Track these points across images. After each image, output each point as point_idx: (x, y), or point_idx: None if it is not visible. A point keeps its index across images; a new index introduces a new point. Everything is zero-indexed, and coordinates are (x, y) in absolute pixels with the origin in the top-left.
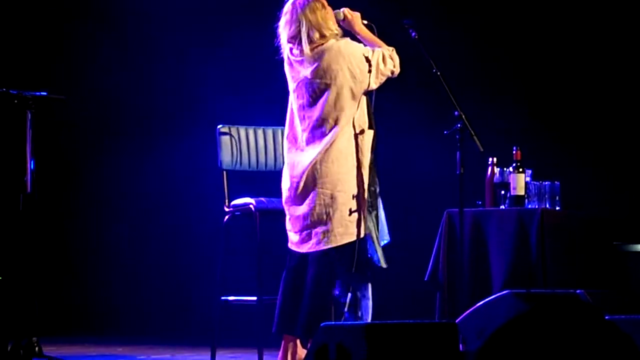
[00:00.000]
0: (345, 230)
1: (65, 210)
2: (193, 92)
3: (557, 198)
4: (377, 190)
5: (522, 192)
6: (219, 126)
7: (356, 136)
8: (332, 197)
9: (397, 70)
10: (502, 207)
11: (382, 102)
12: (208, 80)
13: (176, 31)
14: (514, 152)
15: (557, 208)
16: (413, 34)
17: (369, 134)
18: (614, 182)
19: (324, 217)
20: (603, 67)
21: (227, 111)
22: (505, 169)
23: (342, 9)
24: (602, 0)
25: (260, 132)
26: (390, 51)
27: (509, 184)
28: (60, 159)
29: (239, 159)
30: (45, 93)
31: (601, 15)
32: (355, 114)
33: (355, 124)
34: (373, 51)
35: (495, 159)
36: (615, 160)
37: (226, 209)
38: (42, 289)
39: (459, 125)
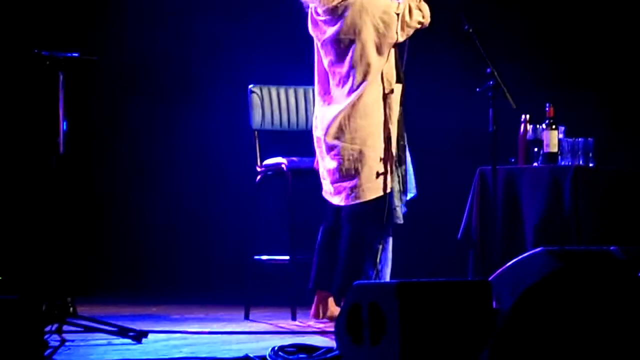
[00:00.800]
0: (373, 185)
1: (98, 170)
2: (223, 53)
3: (591, 155)
4: (405, 143)
5: (555, 149)
6: (249, 86)
7: (384, 90)
8: (360, 152)
9: (426, 21)
10: (535, 164)
11: (415, 58)
12: (238, 40)
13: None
14: (547, 109)
15: (591, 165)
16: None
17: (397, 88)
18: None
19: (352, 172)
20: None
21: (257, 71)
22: (538, 125)
23: None
24: None
25: (291, 91)
26: (417, 1)
27: (542, 140)
28: (92, 120)
29: (270, 118)
30: (77, 54)
31: None
32: (383, 68)
33: (384, 79)
34: (398, 4)
35: (528, 116)
36: None
37: (258, 169)
38: (76, 248)
39: (491, 82)
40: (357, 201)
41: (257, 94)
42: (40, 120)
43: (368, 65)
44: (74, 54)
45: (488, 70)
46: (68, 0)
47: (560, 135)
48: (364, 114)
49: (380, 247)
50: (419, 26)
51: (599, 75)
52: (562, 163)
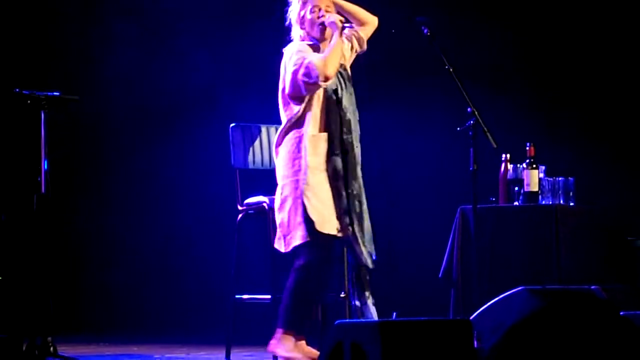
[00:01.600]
0: (294, 234)
1: (79, 210)
2: (206, 91)
3: (571, 194)
4: (356, 193)
5: (535, 189)
6: (231, 125)
7: (304, 139)
8: (282, 201)
9: (318, 80)
10: (516, 203)
11: (394, 98)
12: (220, 79)
13: (187, 30)
14: (527, 148)
15: (571, 204)
16: (425, 31)
17: (322, 137)
18: (628, 178)
19: (279, 220)
20: (615, 63)
21: (239, 110)
22: (518, 165)
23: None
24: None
25: (272, 130)
26: (317, 60)
27: (523, 180)
28: (73, 159)
29: (252, 157)
30: (58, 93)
31: (612, 13)
32: (298, 116)
33: (306, 128)
34: (300, 58)
35: (508, 156)
36: (628, 155)
37: (239, 208)
38: (57, 288)
39: (471, 121)
40: (283, 250)
41: (239, 133)
42: (22, 160)
43: (283, 113)
44: (55, 93)
45: (469, 109)
46: (50, 40)
47: (541, 175)
48: (283, 163)
49: (357, 301)
50: (310, 83)
51: (579, 115)
52: (543, 202)
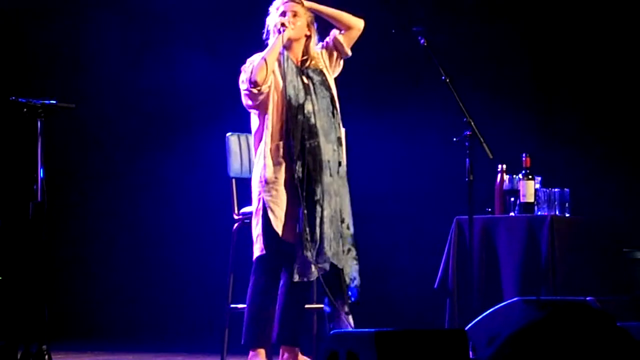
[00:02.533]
0: (255, 247)
1: (75, 218)
2: (202, 100)
3: (567, 205)
4: (317, 198)
5: (531, 199)
6: (227, 134)
7: (265, 150)
8: (255, 211)
9: (248, 85)
10: (512, 214)
11: (390, 106)
12: (217, 88)
13: (184, 38)
14: (523, 159)
15: (567, 215)
16: (422, 41)
17: (280, 146)
18: (624, 189)
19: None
20: (612, 72)
21: (235, 119)
22: (514, 176)
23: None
24: (619, 9)
25: None
26: (247, 66)
27: (519, 191)
28: (69, 167)
29: (248, 166)
30: (54, 101)
31: (613, 22)
32: (258, 127)
33: (265, 138)
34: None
35: (504, 166)
36: (624, 166)
37: (235, 217)
38: (52, 296)
39: (468, 132)
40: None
41: (235, 142)
42: (18, 167)
43: (251, 125)
44: (51, 102)
45: (464, 119)
46: (46, 48)
47: (537, 185)
48: (254, 174)
49: (327, 308)
50: (249, 88)
51: (576, 125)
52: (539, 213)
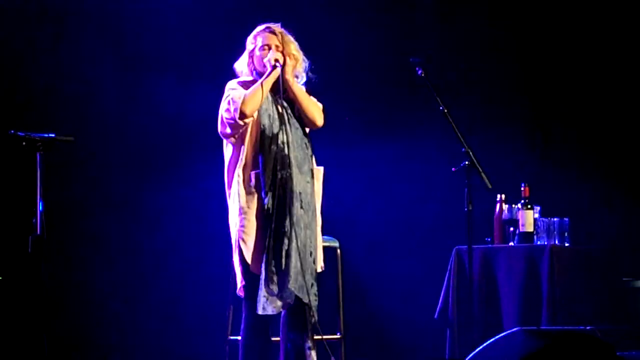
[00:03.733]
0: (238, 279)
1: (74, 250)
2: (200, 131)
3: (566, 234)
4: (285, 230)
5: (531, 229)
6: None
7: (238, 180)
8: (234, 242)
9: (234, 115)
10: (511, 243)
11: (388, 135)
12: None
13: (182, 69)
14: (522, 188)
15: (567, 244)
16: (419, 71)
17: (252, 175)
18: (623, 219)
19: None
20: (611, 104)
21: None
22: (513, 205)
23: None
24: (615, 38)
25: None
26: (237, 97)
27: (518, 220)
28: (68, 200)
29: None
30: (53, 135)
31: (610, 51)
32: (231, 155)
33: (238, 168)
34: (227, 95)
35: (503, 196)
36: (623, 196)
37: None
38: (51, 327)
39: (466, 162)
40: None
41: None
42: (16, 201)
43: (225, 153)
44: (50, 135)
45: (463, 149)
46: (44, 82)
47: (536, 215)
48: (229, 202)
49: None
50: (230, 119)
51: (574, 155)
52: (538, 242)
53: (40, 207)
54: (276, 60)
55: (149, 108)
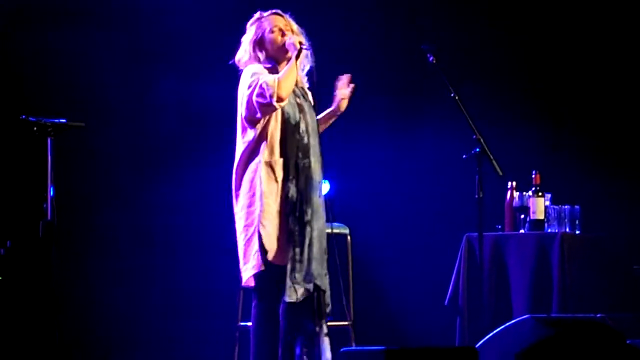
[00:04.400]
0: (249, 265)
1: (84, 236)
2: (211, 123)
3: (577, 222)
4: (308, 219)
5: (541, 216)
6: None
7: (260, 165)
8: (241, 231)
9: (270, 100)
10: (522, 231)
11: (398, 124)
12: (226, 111)
13: (195, 61)
14: (533, 175)
15: (577, 232)
16: (431, 58)
17: (278, 163)
18: (634, 206)
19: (239, 251)
20: (624, 91)
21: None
22: (524, 193)
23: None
24: (625, 28)
25: None
26: (271, 80)
27: (529, 208)
28: (79, 186)
29: None
30: (64, 120)
31: (620, 39)
32: (255, 142)
33: (262, 154)
34: (255, 79)
35: (514, 183)
36: (635, 183)
37: None
38: (62, 315)
39: (477, 149)
40: (242, 284)
41: None
42: (28, 186)
43: (240, 139)
44: (61, 120)
45: (474, 136)
46: (55, 67)
47: (547, 202)
48: (242, 190)
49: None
50: (263, 103)
51: (586, 142)
52: (549, 230)
53: (51, 192)
54: (300, 43)
55: (162, 96)
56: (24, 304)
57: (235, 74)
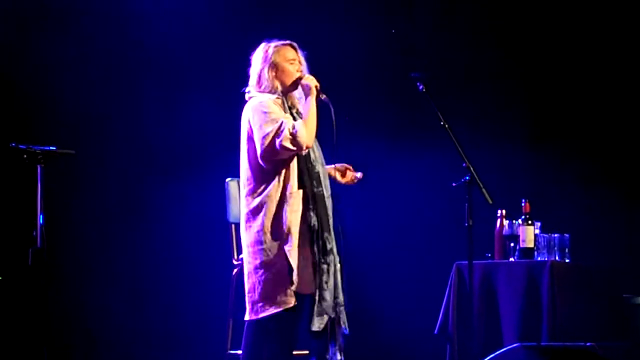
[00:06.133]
0: (273, 299)
1: (74, 263)
2: (201, 146)
3: (567, 250)
4: (330, 247)
5: (531, 245)
6: (227, 179)
7: (286, 196)
8: (258, 266)
9: (296, 149)
10: (512, 259)
11: (388, 150)
12: (216, 133)
13: (182, 82)
14: (523, 204)
15: (567, 260)
16: (420, 87)
17: (299, 194)
18: (624, 234)
19: (252, 284)
20: (613, 119)
21: (234, 164)
22: (514, 221)
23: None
24: (617, 51)
25: None
26: (300, 127)
27: (518, 236)
28: (68, 213)
29: None
30: (54, 147)
31: (610, 65)
32: (270, 174)
33: (281, 184)
34: (274, 120)
35: (504, 211)
36: (625, 212)
37: (235, 262)
38: (51, 340)
39: (467, 177)
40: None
41: (234, 187)
42: (17, 213)
43: (247, 172)
44: (51, 148)
45: (463, 164)
46: (45, 94)
47: (537, 231)
48: (249, 225)
49: None
50: (285, 149)
51: (575, 171)
52: (539, 258)
53: (40, 219)
54: (316, 87)
55: (151, 122)
56: (15, 331)
57: (231, 95)
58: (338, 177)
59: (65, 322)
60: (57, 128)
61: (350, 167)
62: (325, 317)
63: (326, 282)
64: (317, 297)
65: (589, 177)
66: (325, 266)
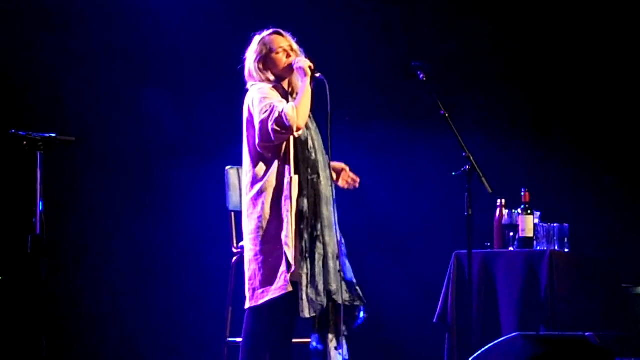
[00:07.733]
0: (281, 282)
1: (73, 250)
2: (201, 134)
3: (566, 240)
4: (318, 234)
5: (530, 234)
6: (227, 167)
7: (285, 182)
8: (258, 253)
9: (288, 133)
10: (511, 248)
11: (388, 140)
12: (216, 121)
13: (183, 71)
14: (523, 193)
15: (566, 250)
16: (421, 75)
17: (295, 179)
18: (623, 224)
19: (253, 270)
20: (613, 108)
21: (234, 152)
22: (513, 210)
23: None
24: (617, 42)
25: None
26: (289, 109)
27: (518, 225)
28: (68, 200)
29: None
30: (54, 134)
31: (611, 54)
32: (270, 161)
33: (280, 171)
34: (268, 105)
35: (503, 201)
36: (624, 202)
37: (234, 250)
38: (50, 328)
39: (467, 166)
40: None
41: (234, 175)
42: (17, 201)
43: (247, 159)
44: (51, 134)
45: (463, 154)
46: (46, 81)
47: (536, 220)
48: (248, 211)
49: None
50: (278, 130)
51: (575, 161)
52: (538, 248)
53: (40, 206)
54: (310, 67)
55: (151, 109)
56: (13, 319)
57: (230, 84)
58: (334, 176)
59: (64, 309)
60: (58, 115)
61: (347, 168)
62: (317, 305)
63: (311, 269)
64: (302, 284)
65: (588, 166)
66: (311, 254)
